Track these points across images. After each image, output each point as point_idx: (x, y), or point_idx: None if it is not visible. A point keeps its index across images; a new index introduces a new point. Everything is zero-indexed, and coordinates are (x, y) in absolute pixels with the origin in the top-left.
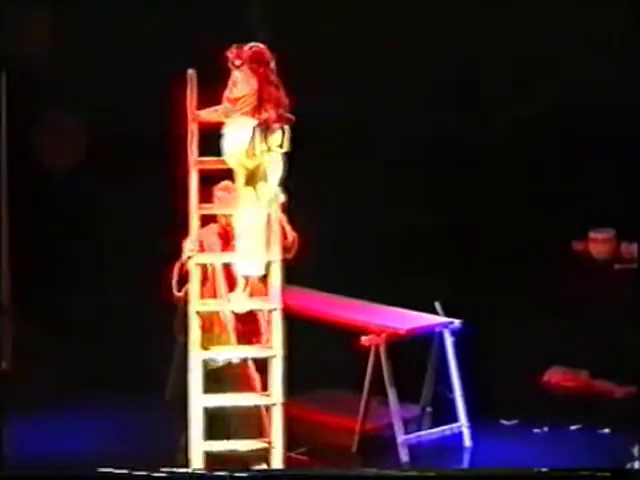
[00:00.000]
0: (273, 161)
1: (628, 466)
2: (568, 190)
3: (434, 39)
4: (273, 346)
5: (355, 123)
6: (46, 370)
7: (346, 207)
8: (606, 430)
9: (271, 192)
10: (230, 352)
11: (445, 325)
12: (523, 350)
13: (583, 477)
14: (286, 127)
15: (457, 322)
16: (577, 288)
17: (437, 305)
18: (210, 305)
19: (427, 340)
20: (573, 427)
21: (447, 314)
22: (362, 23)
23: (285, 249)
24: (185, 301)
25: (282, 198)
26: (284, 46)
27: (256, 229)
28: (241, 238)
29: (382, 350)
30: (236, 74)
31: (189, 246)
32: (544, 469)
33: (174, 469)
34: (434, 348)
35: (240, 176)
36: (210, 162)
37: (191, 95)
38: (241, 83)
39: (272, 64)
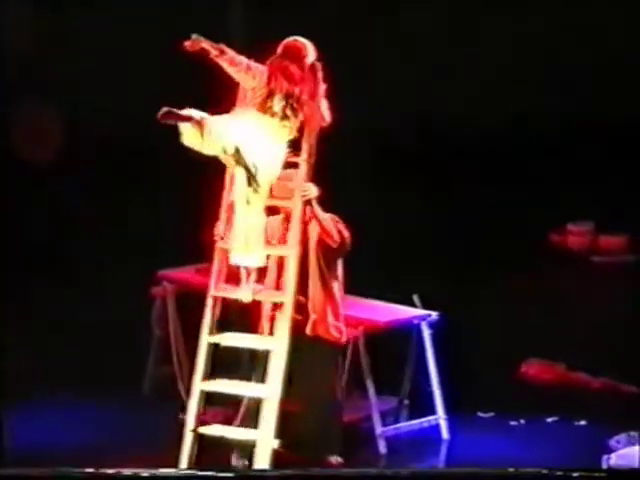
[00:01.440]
0: (263, 155)
1: (605, 458)
2: (548, 183)
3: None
4: (276, 339)
5: (350, 122)
6: (42, 365)
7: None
8: (583, 422)
9: (268, 185)
10: (232, 340)
11: (423, 318)
12: (500, 342)
13: (580, 477)
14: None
15: (435, 315)
16: (555, 280)
17: (415, 298)
18: (224, 291)
19: (405, 332)
20: (550, 419)
21: (425, 306)
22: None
23: (331, 249)
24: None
25: (313, 193)
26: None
27: (252, 221)
28: (237, 229)
29: (360, 342)
30: (224, 65)
31: (215, 231)
32: (539, 469)
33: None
34: (412, 340)
35: (231, 168)
36: None
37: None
38: (243, 73)
39: (307, 59)
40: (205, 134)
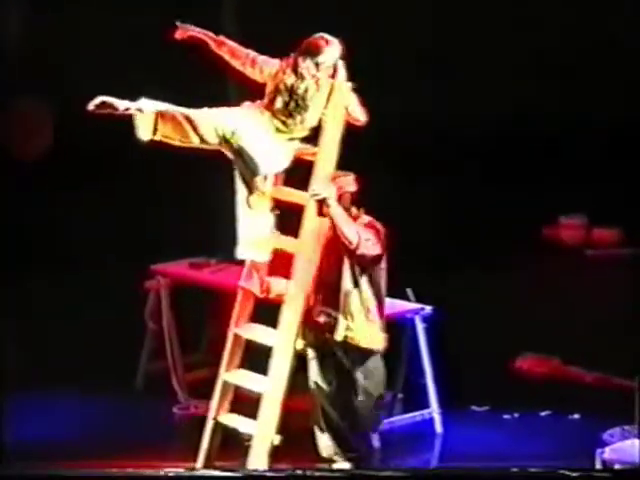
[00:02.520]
0: (262, 151)
1: (598, 452)
2: (542, 177)
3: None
4: (281, 333)
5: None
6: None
7: None
8: (577, 416)
9: (269, 182)
10: (244, 332)
11: (416, 311)
12: (494, 336)
13: (582, 477)
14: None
15: (428, 308)
16: (549, 274)
17: (409, 291)
18: (242, 283)
19: (398, 326)
20: (544, 413)
21: (419, 300)
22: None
23: (347, 252)
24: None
25: (325, 193)
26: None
27: (254, 219)
28: (240, 227)
29: None
30: (226, 57)
31: None
32: (541, 469)
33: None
34: (405, 334)
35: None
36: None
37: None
38: (249, 67)
39: (326, 57)
40: (161, 124)
